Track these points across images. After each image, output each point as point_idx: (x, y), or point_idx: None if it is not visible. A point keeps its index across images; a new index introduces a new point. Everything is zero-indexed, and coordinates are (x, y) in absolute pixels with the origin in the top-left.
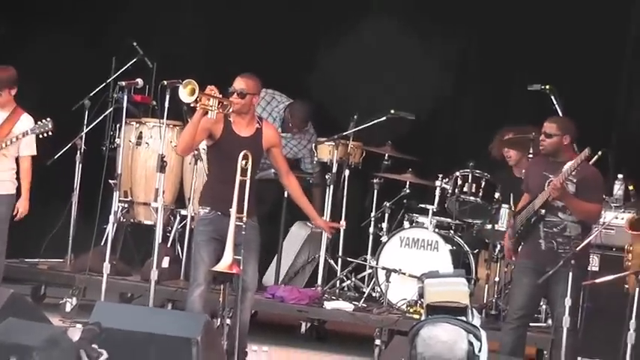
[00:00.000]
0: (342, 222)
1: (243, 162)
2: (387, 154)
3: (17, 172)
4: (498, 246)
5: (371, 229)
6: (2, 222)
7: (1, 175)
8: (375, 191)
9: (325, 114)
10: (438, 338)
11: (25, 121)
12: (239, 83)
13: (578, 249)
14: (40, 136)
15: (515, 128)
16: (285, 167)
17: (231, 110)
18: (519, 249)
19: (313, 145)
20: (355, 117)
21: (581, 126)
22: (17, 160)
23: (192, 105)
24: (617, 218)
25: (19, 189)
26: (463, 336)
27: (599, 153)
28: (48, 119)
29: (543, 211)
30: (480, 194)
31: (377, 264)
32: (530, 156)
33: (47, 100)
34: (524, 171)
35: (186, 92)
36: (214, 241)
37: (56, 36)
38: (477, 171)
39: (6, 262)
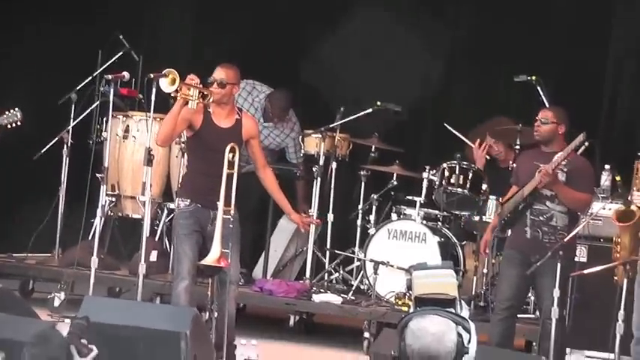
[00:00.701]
0: (316, 218)
1: (230, 155)
2: (373, 146)
3: None
4: None
5: (358, 222)
6: None
7: None
8: (363, 183)
9: (313, 106)
10: (427, 330)
11: None
12: (219, 73)
13: (565, 240)
14: (9, 126)
15: (501, 119)
16: (262, 160)
17: (211, 100)
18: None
19: (297, 134)
20: (342, 109)
21: (568, 117)
22: None
23: (172, 94)
24: (604, 209)
25: None
26: (452, 328)
27: (586, 144)
28: (16, 109)
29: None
30: (468, 186)
31: (365, 256)
32: (517, 147)
33: (33, 93)
34: (512, 163)
35: (167, 82)
36: (196, 233)
37: (42, 28)
38: (464, 162)
39: None
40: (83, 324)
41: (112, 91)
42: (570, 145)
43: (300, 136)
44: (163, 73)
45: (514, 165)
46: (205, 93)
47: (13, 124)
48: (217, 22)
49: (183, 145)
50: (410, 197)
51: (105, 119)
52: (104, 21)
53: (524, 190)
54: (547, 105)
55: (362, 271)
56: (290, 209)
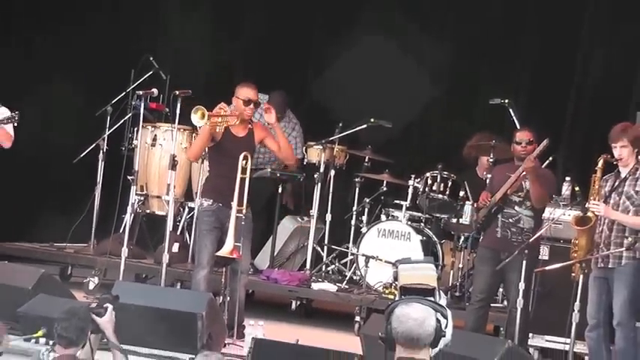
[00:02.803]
0: (315, 218)
1: (244, 162)
2: (367, 157)
3: None
4: (462, 237)
5: (353, 221)
6: None
7: None
8: (357, 189)
9: (317, 121)
10: (410, 316)
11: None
12: (253, 94)
13: (531, 240)
14: (6, 122)
15: (485, 135)
16: (277, 145)
17: (237, 122)
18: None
19: (298, 133)
20: (340, 125)
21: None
22: None
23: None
24: (564, 215)
25: None
26: (432, 314)
27: (550, 158)
28: (16, 112)
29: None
30: (447, 192)
31: (357, 251)
32: (491, 160)
33: (75, 105)
34: (486, 174)
35: (197, 117)
36: (216, 229)
37: (84, 52)
38: (445, 172)
39: (38, 246)
40: (107, 297)
41: (142, 105)
42: (539, 147)
43: (302, 138)
44: (193, 110)
45: (489, 175)
46: (230, 119)
47: (10, 122)
48: (231, 47)
49: (203, 153)
50: (397, 201)
51: (136, 129)
52: (137, 44)
53: (496, 196)
54: (517, 124)
55: (355, 264)
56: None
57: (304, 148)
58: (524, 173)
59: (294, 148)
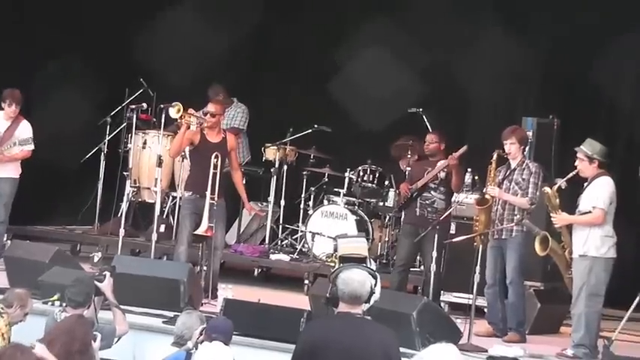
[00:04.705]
0: (272, 204)
1: (215, 160)
2: (312, 155)
3: None
4: (387, 216)
5: (301, 206)
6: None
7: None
8: (305, 180)
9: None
10: (354, 278)
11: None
12: (211, 107)
13: (442, 218)
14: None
15: (405, 137)
16: (236, 164)
17: (205, 125)
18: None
19: (245, 112)
20: (291, 129)
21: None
22: None
23: (178, 120)
24: (467, 198)
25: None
26: (368, 276)
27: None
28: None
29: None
30: (375, 182)
31: (306, 229)
32: (409, 155)
33: (81, 117)
34: (406, 167)
35: (174, 111)
36: (194, 214)
37: (89, 75)
38: (373, 166)
39: (53, 228)
40: (107, 267)
41: (134, 116)
42: (459, 151)
43: (247, 115)
44: (171, 104)
45: (408, 169)
46: (200, 120)
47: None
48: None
49: (182, 154)
50: (336, 189)
51: (129, 135)
52: (129, 68)
53: (417, 184)
54: (429, 128)
55: (303, 239)
56: (245, 200)
57: (263, 148)
58: (446, 166)
59: (239, 121)
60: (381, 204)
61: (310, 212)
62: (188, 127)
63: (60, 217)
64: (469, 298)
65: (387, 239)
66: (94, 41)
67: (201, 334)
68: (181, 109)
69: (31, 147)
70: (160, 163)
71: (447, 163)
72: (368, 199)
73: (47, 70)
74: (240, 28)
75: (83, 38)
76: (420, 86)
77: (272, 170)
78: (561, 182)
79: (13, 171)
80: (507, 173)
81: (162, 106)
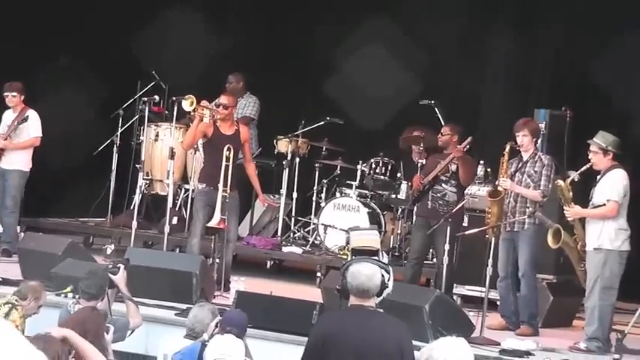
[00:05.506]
0: (285, 197)
1: (227, 152)
2: (324, 147)
3: None
4: (400, 209)
5: (314, 198)
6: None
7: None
8: (317, 172)
9: (286, 118)
10: (362, 272)
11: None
12: (223, 99)
13: (454, 211)
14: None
15: (413, 128)
16: (249, 156)
17: (218, 117)
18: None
19: (257, 103)
20: (303, 122)
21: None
22: None
23: (191, 113)
24: (479, 190)
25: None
26: (378, 270)
27: (470, 138)
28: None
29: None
30: (388, 174)
31: (318, 221)
32: (421, 148)
33: (95, 110)
34: (420, 160)
35: (187, 103)
36: (207, 207)
37: (103, 69)
38: (385, 158)
39: (66, 221)
40: (120, 260)
41: (147, 108)
42: (464, 143)
43: (259, 106)
44: (185, 97)
45: (420, 161)
46: (212, 112)
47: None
48: (220, 59)
49: (195, 146)
50: (349, 182)
51: (142, 128)
52: (143, 61)
53: (428, 177)
54: (442, 120)
55: (316, 232)
56: (259, 191)
57: (275, 140)
58: (454, 158)
59: (251, 110)
60: (394, 196)
61: (322, 205)
62: (201, 120)
63: (73, 210)
64: (481, 291)
65: (399, 232)
66: (102, 36)
67: (216, 327)
68: (195, 102)
69: (39, 134)
70: (172, 156)
71: (453, 156)
72: (380, 192)
73: (56, 64)
74: (252, 20)
75: (89, 34)
76: (432, 78)
77: (284, 163)
78: (574, 175)
79: (22, 163)
80: (520, 165)
81: (174, 98)
